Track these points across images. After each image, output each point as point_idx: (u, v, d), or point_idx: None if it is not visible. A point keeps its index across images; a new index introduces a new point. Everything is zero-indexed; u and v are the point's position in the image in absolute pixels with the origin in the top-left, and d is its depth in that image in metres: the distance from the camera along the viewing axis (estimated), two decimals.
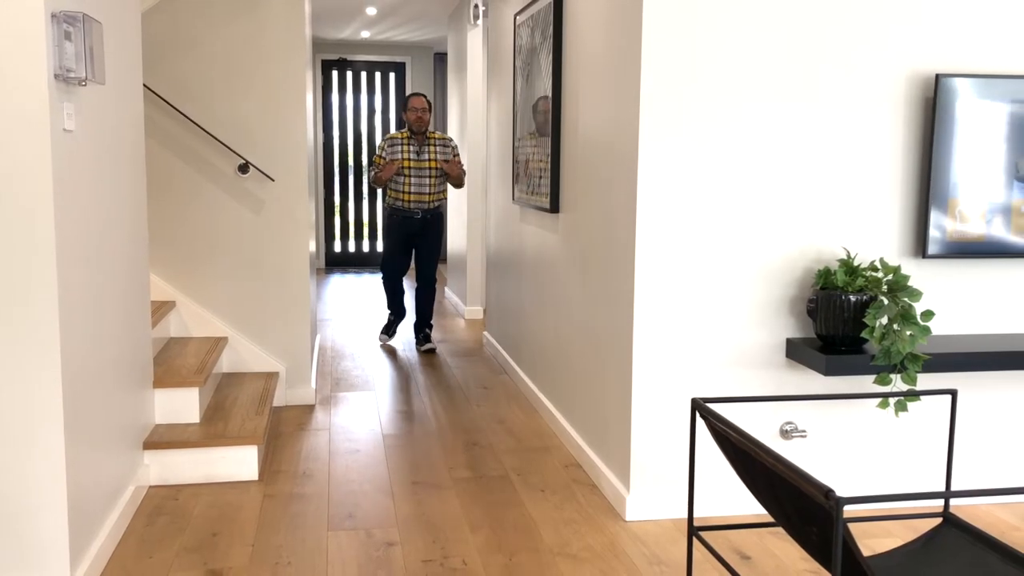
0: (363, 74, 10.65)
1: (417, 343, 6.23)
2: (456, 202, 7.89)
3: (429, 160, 5.97)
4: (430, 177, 5.98)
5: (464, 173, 6.17)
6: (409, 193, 5.96)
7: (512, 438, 4.22)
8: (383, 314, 7.60)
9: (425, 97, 6.03)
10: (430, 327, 6.27)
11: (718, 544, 3.07)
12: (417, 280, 6.19)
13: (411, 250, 6.17)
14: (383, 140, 6.06)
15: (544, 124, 4.34)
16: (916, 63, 3.24)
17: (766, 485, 1.90)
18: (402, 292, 6.34)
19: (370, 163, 6.23)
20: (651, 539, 3.10)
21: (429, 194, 5.99)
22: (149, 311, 3.64)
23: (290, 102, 4.55)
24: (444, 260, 10.35)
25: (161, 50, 4.40)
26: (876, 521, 3.15)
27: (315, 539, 3.08)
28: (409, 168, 5.93)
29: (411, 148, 5.95)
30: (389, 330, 6.38)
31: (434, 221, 6.10)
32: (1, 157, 2.37)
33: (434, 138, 6.02)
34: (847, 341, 3.07)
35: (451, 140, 6.14)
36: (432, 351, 6.12)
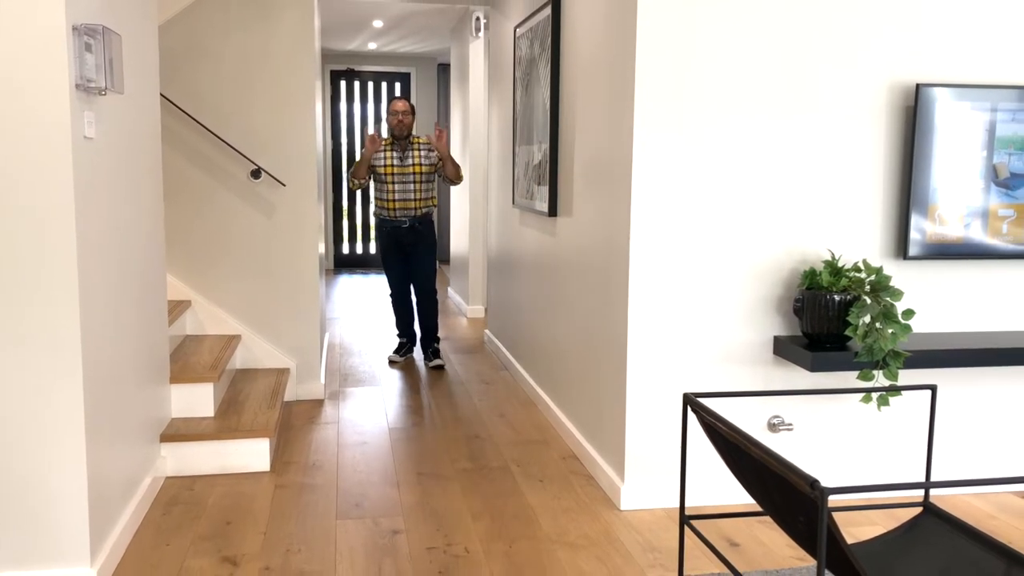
0: (370, 84, 10.65)
1: (425, 359, 5.65)
2: (458, 204, 7.90)
3: (413, 165, 5.39)
4: (415, 183, 5.41)
5: (458, 167, 5.48)
6: (394, 200, 5.41)
7: (512, 431, 4.21)
8: (387, 314, 7.59)
9: (408, 100, 5.47)
10: (437, 340, 5.69)
11: (708, 532, 3.07)
12: (416, 293, 5.63)
13: (407, 259, 5.58)
14: (365, 147, 5.50)
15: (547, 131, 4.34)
16: (897, 73, 3.24)
17: (754, 476, 1.90)
18: (411, 312, 5.74)
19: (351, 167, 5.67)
20: (645, 527, 3.10)
21: (415, 200, 5.43)
22: (166, 310, 3.63)
23: (300, 110, 4.55)
24: (447, 261, 10.35)
25: (177, 61, 4.40)
26: (859, 510, 3.15)
27: (324, 527, 3.08)
28: (392, 175, 5.39)
29: (394, 154, 5.40)
30: (400, 351, 5.76)
31: (424, 229, 5.51)
32: (25, 162, 2.37)
33: (418, 142, 5.45)
34: (832, 339, 3.07)
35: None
36: (440, 367, 5.56)
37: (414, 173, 5.41)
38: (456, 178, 5.50)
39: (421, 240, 5.53)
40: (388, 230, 5.52)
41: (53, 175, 2.39)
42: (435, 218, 5.77)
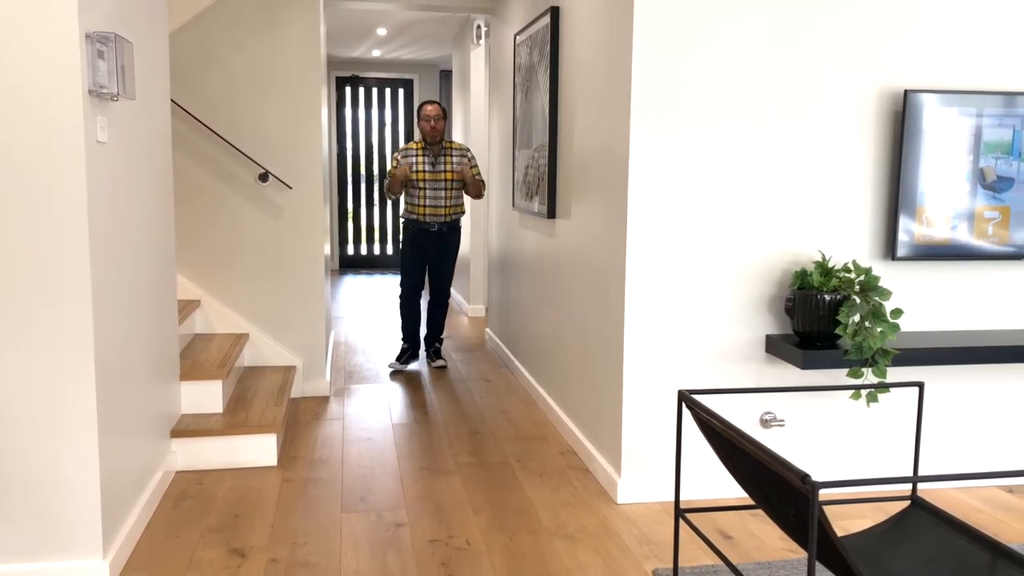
0: (374, 90, 10.65)
1: (428, 358, 5.52)
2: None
3: (445, 172, 5.16)
4: (446, 189, 5.18)
5: (483, 184, 5.31)
6: (424, 206, 5.18)
7: (512, 427, 4.21)
8: (391, 313, 7.59)
9: (439, 104, 5.15)
10: (440, 341, 5.55)
11: (703, 525, 3.07)
12: (430, 294, 5.46)
13: (427, 262, 5.34)
14: (397, 151, 5.25)
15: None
16: (886, 79, 3.24)
17: (747, 470, 1.90)
18: (418, 319, 5.44)
19: (387, 174, 5.40)
20: (640, 520, 3.10)
21: (445, 207, 5.21)
22: (176, 309, 3.63)
23: (306, 116, 4.55)
24: None
25: (187, 68, 4.40)
26: (849, 504, 3.15)
27: (330, 520, 3.08)
28: (424, 180, 5.15)
29: (426, 159, 5.15)
30: (402, 358, 5.41)
31: (451, 235, 5.30)
32: (40, 166, 2.37)
33: (451, 148, 5.22)
34: (822, 337, 3.07)
35: (468, 149, 5.31)
36: (443, 367, 5.44)
37: (445, 180, 5.19)
38: (477, 196, 5.32)
39: (446, 245, 5.31)
40: (415, 233, 5.28)
41: (67, 178, 2.39)
42: (462, 224, 5.57)
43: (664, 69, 3.09)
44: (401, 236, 5.41)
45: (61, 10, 2.33)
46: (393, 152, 5.35)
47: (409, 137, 10.62)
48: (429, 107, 5.13)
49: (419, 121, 5.16)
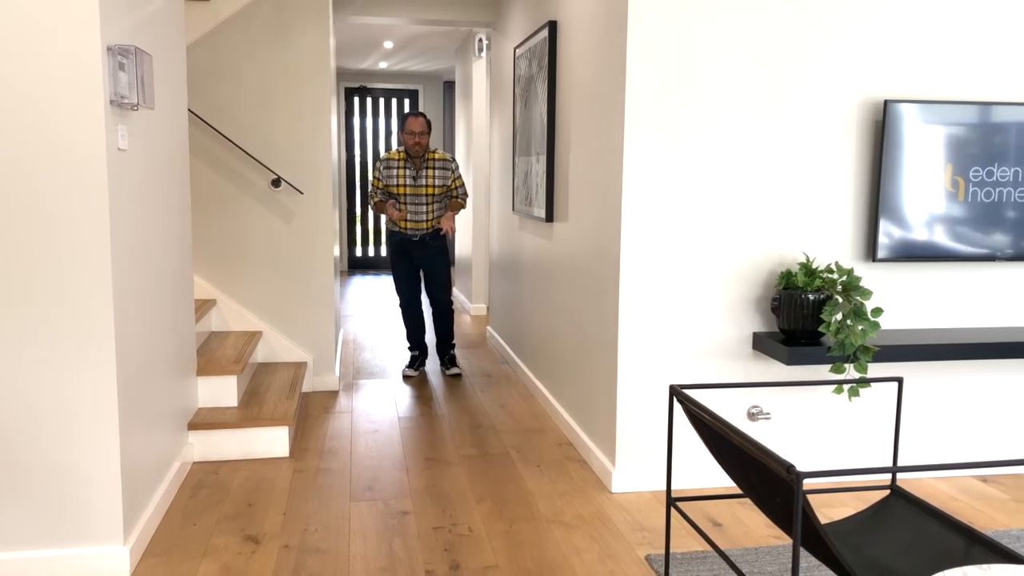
0: (381, 100, 10.65)
1: (443, 366, 5.22)
2: (463, 211, 7.90)
3: (427, 186, 4.84)
4: (427, 204, 4.87)
5: (465, 196, 5.00)
6: (405, 220, 4.89)
7: (512, 420, 4.21)
8: (397, 313, 7.58)
9: (424, 117, 4.80)
10: (453, 347, 5.24)
11: (693, 513, 3.07)
12: (431, 305, 5.13)
13: (418, 269, 5.07)
14: (379, 161, 4.93)
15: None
16: (867, 90, 3.24)
17: (735, 461, 1.90)
18: (422, 324, 5.19)
19: (371, 187, 4.95)
20: (634, 508, 3.10)
21: (427, 220, 4.90)
22: (193, 308, 3.63)
23: (317, 124, 4.55)
24: (452, 263, 10.35)
25: (204, 78, 4.40)
26: (832, 493, 3.15)
27: (339, 508, 3.08)
28: (405, 195, 4.85)
29: (407, 172, 4.83)
30: (414, 364, 5.19)
31: (433, 241, 4.96)
32: (64, 172, 2.38)
33: (433, 159, 4.85)
34: (806, 335, 3.07)
35: (452, 161, 4.92)
36: (458, 375, 5.13)
37: (427, 194, 4.86)
38: (461, 208, 5.00)
39: (431, 252, 4.98)
40: (399, 242, 4.98)
41: (89, 184, 2.39)
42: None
43: (656, 80, 3.09)
44: (386, 248, 5.16)
45: (84, 24, 2.33)
46: (375, 162, 4.88)
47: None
48: (414, 122, 4.78)
49: (403, 134, 4.82)
